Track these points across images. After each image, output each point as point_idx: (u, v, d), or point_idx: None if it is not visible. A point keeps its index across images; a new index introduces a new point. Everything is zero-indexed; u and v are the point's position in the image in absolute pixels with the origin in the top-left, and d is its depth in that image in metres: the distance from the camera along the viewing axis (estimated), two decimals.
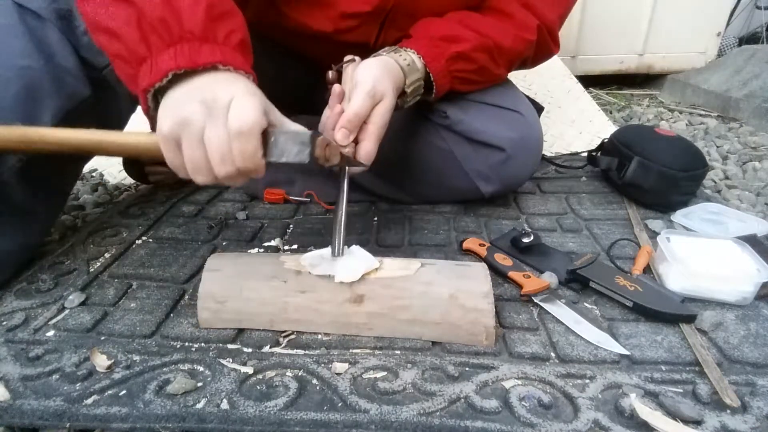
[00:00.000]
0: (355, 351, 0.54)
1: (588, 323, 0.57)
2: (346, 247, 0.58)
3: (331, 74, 0.68)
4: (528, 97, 0.87)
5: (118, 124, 0.80)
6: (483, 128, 0.76)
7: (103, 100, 0.71)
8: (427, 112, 0.80)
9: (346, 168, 0.61)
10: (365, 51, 0.70)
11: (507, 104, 0.78)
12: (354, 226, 0.82)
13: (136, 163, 0.97)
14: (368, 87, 0.60)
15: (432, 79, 0.70)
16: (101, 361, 0.52)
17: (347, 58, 0.68)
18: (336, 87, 0.64)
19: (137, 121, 0.93)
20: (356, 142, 0.61)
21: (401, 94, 0.68)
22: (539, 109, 0.95)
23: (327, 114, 0.63)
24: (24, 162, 0.63)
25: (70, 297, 0.63)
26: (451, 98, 0.78)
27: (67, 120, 0.66)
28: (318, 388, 0.49)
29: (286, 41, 0.86)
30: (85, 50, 0.66)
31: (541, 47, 0.79)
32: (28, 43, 0.62)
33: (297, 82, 0.92)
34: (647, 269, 0.68)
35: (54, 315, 0.60)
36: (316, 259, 0.57)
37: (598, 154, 0.95)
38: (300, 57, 0.89)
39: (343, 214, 0.58)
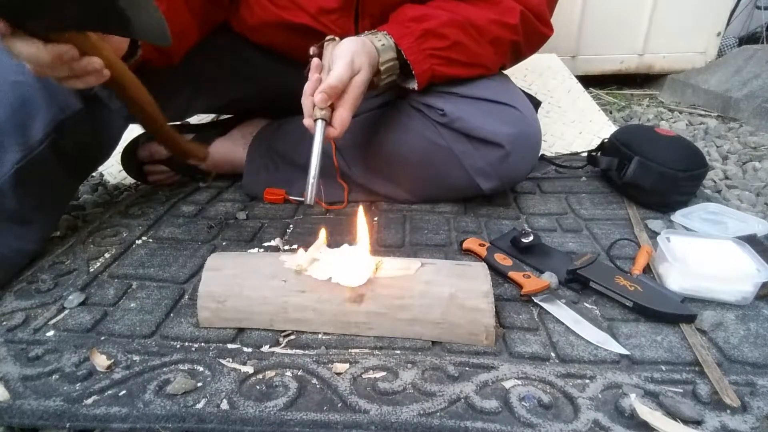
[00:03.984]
0: (355, 351, 0.54)
1: (588, 323, 0.57)
2: (346, 245, 0.58)
3: (312, 50, 0.73)
4: (524, 91, 0.87)
5: (112, 136, 0.83)
6: (481, 125, 0.77)
7: (96, 114, 0.74)
8: (425, 109, 0.80)
9: (321, 123, 0.66)
10: None
11: (504, 99, 0.78)
12: (354, 226, 0.82)
13: (135, 161, 0.97)
14: (348, 59, 0.66)
15: (404, 56, 0.73)
16: (101, 361, 0.52)
17: (328, 37, 0.74)
18: (315, 60, 0.70)
19: (131, 135, 0.95)
20: (333, 109, 0.67)
21: (376, 73, 0.73)
22: (536, 103, 0.95)
23: (307, 84, 0.68)
24: (17, 170, 0.65)
25: (70, 297, 0.63)
26: (447, 95, 0.78)
27: (61, 130, 0.68)
28: (318, 388, 0.49)
29: (280, 47, 0.89)
30: None
31: (530, 31, 0.79)
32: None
33: (297, 88, 0.95)
34: (647, 269, 0.68)
35: (54, 315, 0.60)
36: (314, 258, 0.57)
37: (598, 154, 0.95)
38: (297, 65, 0.92)
39: (316, 164, 0.64)
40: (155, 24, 0.53)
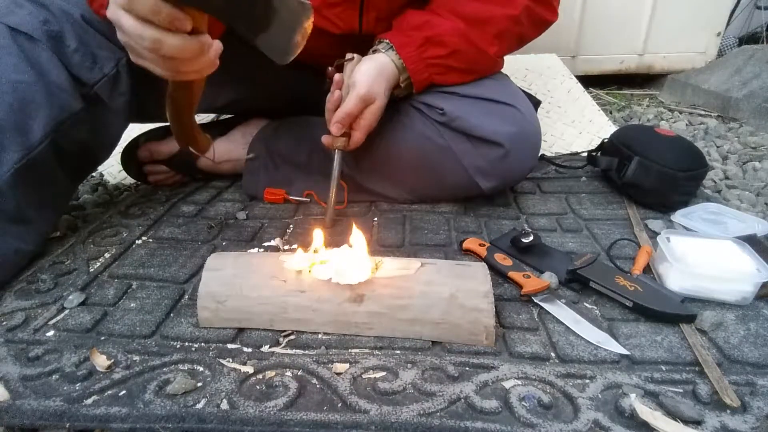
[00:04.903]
0: (355, 351, 0.54)
1: (588, 323, 0.57)
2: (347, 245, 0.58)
3: (330, 69, 0.78)
4: (524, 91, 0.87)
5: (111, 136, 0.83)
6: (480, 124, 0.77)
7: (96, 114, 0.74)
8: (425, 108, 0.80)
9: (338, 153, 0.76)
10: (354, 40, 0.78)
11: (503, 99, 0.79)
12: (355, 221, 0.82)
13: (135, 161, 0.97)
14: (362, 92, 0.71)
15: (404, 65, 0.75)
16: (101, 361, 0.52)
17: (348, 56, 0.76)
18: (337, 76, 0.75)
19: (130, 135, 0.95)
20: (351, 130, 0.75)
21: (396, 87, 0.78)
22: (536, 103, 0.95)
23: (328, 98, 0.75)
24: (16, 170, 0.65)
25: (70, 297, 0.63)
26: (446, 94, 0.79)
27: (60, 130, 0.69)
28: (318, 388, 0.49)
29: None
30: (75, 68, 0.70)
31: (535, 20, 0.80)
32: (20, 61, 0.65)
33: (299, 89, 0.97)
34: (647, 269, 0.68)
35: (54, 315, 0.60)
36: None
37: (598, 154, 0.95)
38: (300, 65, 0.92)
39: (333, 191, 0.75)
40: (283, 43, 0.54)
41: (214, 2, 0.50)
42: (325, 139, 0.77)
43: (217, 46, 0.54)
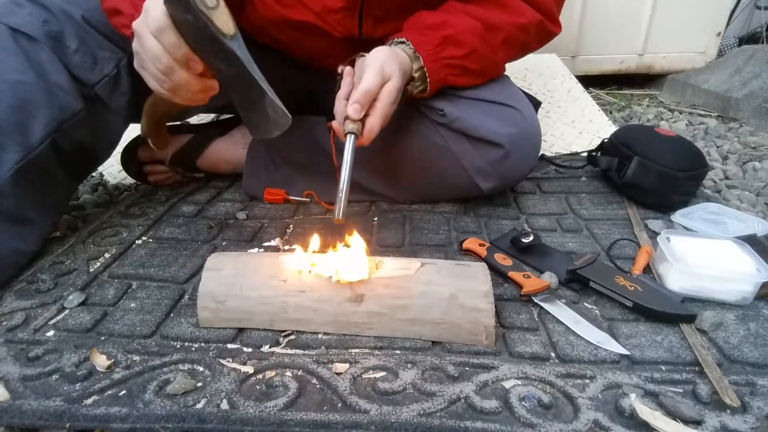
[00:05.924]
0: (355, 351, 0.54)
1: (588, 323, 0.57)
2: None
3: (340, 68, 0.73)
4: (524, 91, 0.87)
5: (112, 136, 0.84)
6: (480, 125, 0.77)
7: (96, 114, 0.75)
8: (425, 109, 0.80)
9: (351, 138, 0.65)
10: (354, 43, 0.76)
11: (503, 100, 0.78)
12: (354, 226, 0.82)
13: (135, 161, 0.97)
14: (377, 66, 0.65)
15: (422, 64, 0.72)
16: (101, 361, 0.52)
17: (358, 55, 0.73)
18: (348, 68, 0.71)
19: (130, 135, 0.95)
20: (365, 116, 0.66)
21: (411, 80, 0.73)
22: (536, 104, 0.95)
23: (339, 93, 0.68)
24: (16, 170, 0.65)
25: (70, 297, 0.63)
26: (447, 96, 0.78)
27: (61, 130, 0.69)
28: (318, 388, 0.49)
29: (283, 44, 0.89)
30: (76, 68, 0.71)
31: (540, 30, 0.80)
32: (21, 61, 0.66)
33: (300, 88, 0.96)
34: (647, 269, 0.68)
35: (54, 315, 0.60)
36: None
37: (598, 154, 0.95)
38: (300, 65, 0.93)
39: (346, 178, 0.62)
40: (261, 129, 0.65)
41: (217, 65, 0.58)
42: (335, 125, 0.69)
43: (215, 91, 0.62)
